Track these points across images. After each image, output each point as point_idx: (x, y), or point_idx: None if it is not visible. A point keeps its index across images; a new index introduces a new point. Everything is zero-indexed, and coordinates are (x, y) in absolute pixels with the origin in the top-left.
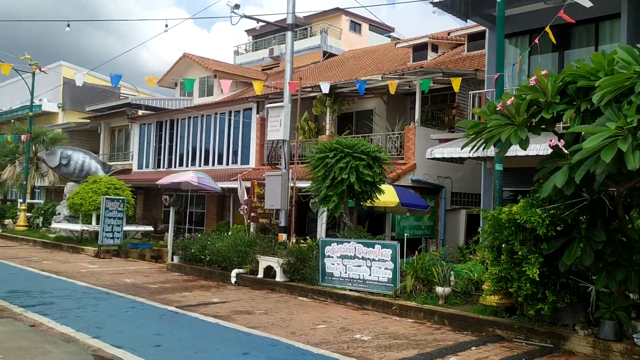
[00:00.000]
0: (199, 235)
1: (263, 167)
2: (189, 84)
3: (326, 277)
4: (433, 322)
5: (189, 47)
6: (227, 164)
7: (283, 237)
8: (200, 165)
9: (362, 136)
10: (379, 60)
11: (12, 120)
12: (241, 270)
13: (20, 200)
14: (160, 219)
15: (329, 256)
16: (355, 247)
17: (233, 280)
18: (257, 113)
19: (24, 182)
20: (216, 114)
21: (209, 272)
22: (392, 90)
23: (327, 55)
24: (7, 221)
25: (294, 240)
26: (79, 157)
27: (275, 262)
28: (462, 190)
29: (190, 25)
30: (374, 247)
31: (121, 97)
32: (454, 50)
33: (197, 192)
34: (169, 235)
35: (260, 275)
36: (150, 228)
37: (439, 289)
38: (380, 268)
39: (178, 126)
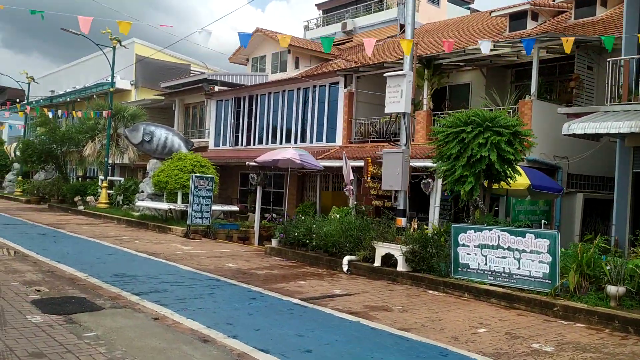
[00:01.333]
0: (302, 217)
1: (351, 145)
2: (328, 43)
3: (459, 269)
4: (613, 329)
5: (247, 24)
6: (311, 141)
7: (402, 221)
8: (281, 143)
9: (461, 111)
10: (466, 31)
11: (94, 96)
12: (353, 257)
13: (102, 178)
14: (236, 198)
15: (463, 245)
16: (499, 236)
17: (345, 268)
18: (345, 87)
19: (105, 159)
20: (299, 89)
21: (314, 258)
22: (568, 50)
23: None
24: (88, 198)
25: (415, 226)
26: (161, 134)
27: (396, 250)
28: (580, 172)
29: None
30: (524, 236)
31: (192, 75)
32: (556, 19)
33: (275, 171)
34: (256, 216)
35: (377, 263)
36: (235, 208)
37: (612, 289)
38: (533, 261)
39: (257, 102)
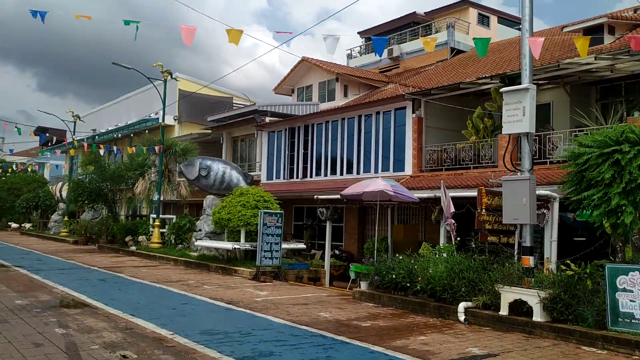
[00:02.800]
0: (400, 257)
1: (423, 174)
2: (482, 47)
3: (620, 319)
4: None
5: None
6: (376, 171)
7: (530, 261)
8: (342, 174)
9: (550, 133)
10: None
11: (137, 133)
12: (469, 304)
13: (153, 216)
14: (291, 234)
15: (624, 289)
16: None
17: (461, 317)
18: (413, 112)
19: (157, 197)
20: (360, 116)
21: (418, 304)
22: None
23: (455, 52)
24: (140, 238)
25: (551, 266)
26: (218, 168)
27: (531, 296)
28: None
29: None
30: None
31: (235, 108)
32: (633, 32)
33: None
34: (326, 255)
35: (504, 312)
36: (302, 245)
37: None
38: None
39: (313, 132)
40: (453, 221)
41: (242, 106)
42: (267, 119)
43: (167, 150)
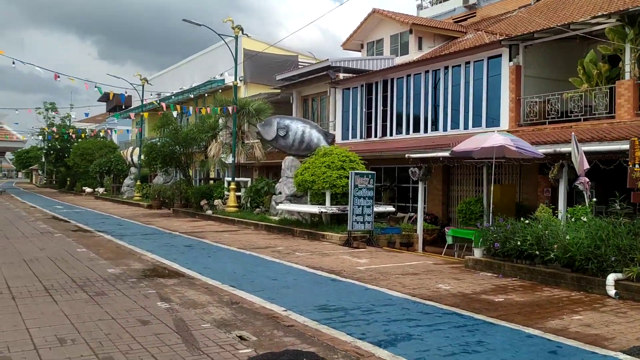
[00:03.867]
0: (527, 221)
1: (522, 128)
2: None
3: None
4: None
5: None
6: (466, 127)
7: None
8: (426, 132)
9: None
10: None
11: (219, 91)
12: (619, 276)
13: (228, 179)
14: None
15: None
16: None
17: (611, 291)
18: (510, 60)
19: (233, 158)
20: (446, 67)
21: (550, 275)
22: None
23: None
24: (216, 202)
25: None
26: (298, 127)
27: None
28: None
29: None
30: None
31: (300, 66)
32: None
33: (397, 164)
34: (419, 219)
35: None
36: (392, 208)
37: None
38: None
39: (393, 87)
40: (587, 179)
41: (307, 64)
42: (341, 76)
43: (240, 110)
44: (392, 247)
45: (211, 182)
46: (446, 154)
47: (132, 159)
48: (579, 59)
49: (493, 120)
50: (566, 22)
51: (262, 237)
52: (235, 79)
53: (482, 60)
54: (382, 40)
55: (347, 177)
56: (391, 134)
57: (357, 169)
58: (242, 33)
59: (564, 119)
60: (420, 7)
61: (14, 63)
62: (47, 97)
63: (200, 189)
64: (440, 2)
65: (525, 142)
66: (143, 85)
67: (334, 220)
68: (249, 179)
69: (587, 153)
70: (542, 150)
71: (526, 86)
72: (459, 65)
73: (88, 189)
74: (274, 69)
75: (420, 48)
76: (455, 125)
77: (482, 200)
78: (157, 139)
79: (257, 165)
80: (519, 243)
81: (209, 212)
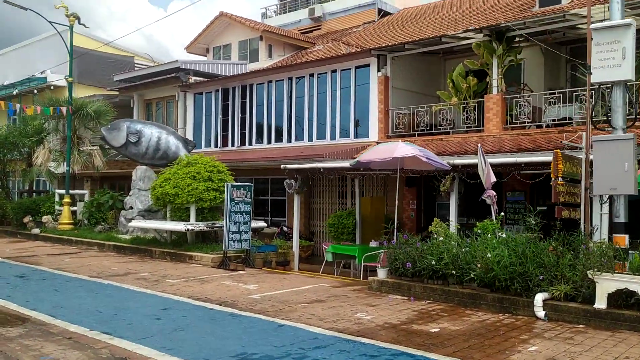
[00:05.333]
0: (439, 239)
1: (391, 140)
2: None
3: None
4: None
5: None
6: (332, 138)
7: (625, 240)
8: (290, 142)
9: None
10: (468, 13)
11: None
12: (545, 295)
13: (60, 192)
14: None
15: None
16: None
17: (540, 312)
18: (378, 70)
19: (67, 168)
20: (311, 75)
21: (468, 296)
22: None
23: (382, 13)
24: (44, 218)
25: None
26: (152, 133)
27: None
28: None
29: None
30: None
31: (136, 69)
32: None
33: (264, 175)
34: (295, 235)
35: (601, 305)
36: (263, 224)
37: None
38: None
39: (253, 93)
40: (494, 192)
41: (146, 66)
42: (192, 79)
43: (76, 112)
44: (269, 266)
45: (36, 195)
46: (327, 164)
47: None
48: (446, 72)
49: (362, 131)
50: (435, 36)
51: (114, 260)
52: (71, 75)
53: (350, 69)
54: (229, 46)
55: (215, 190)
56: (250, 143)
57: (227, 180)
58: (79, 22)
59: (434, 131)
60: (265, 15)
61: None
62: None
63: (23, 203)
64: (286, 12)
65: (431, 153)
66: None
67: (198, 239)
68: (86, 192)
69: (463, 166)
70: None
71: (393, 98)
72: (325, 74)
73: None
74: (106, 69)
75: (270, 56)
76: (321, 136)
77: (353, 213)
78: None
79: (95, 176)
80: (433, 262)
81: (36, 230)
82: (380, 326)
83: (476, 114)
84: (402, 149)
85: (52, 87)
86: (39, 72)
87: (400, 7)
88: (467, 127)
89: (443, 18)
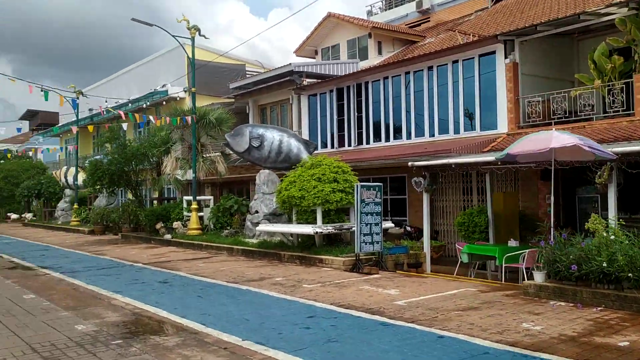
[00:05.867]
0: (609, 237)
1: (522, 131)
2: None
3: None
4: None
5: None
6: (456, 132)
7: None
8: (409, 138)
9: None
10: None
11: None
12: None
13: (187, 198)
14: None
15: None
16: None
17: None
18: (506, 57)
19: (193, 175)
20: (430, 68)
21: None
22: None
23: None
24: (175, 224)
25: None
26: (274, 136)
27: None
28: None
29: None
30: None
31: (247, 76)
32: None
33: (382, 174)
34: (425, 235)
35: None
36: (391, 224)
37: None
38: None
39: (368, 92)
40: None
41: (257, 73)
42: (305, 81)
43: (200, 120)
44: (401, 269)
45: (165, 202)
46: (459, 159)
47: (66, 180)
48: (579, 54)
49: (489, 123)
50: (574, 13)
51: (245, 265)
52: (194, 85)
53: (473, 58)
54: (337, 46)
55: (341, 191)
56: (368, 142)
57: (352, 181)
58: (199, 34)
59: (573, 118)
60: (370, 13)
61: None
62: None
63: (155, 211)
64: (391, 8)
65: (591, 141)
66: (77, 98)
67: (325, 241)
68: (211, 198)
69: (623, 155)
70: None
71: (523, 85)
72: (445, 65)
73: (14, 215)
74: (220, 78)
75: (380, 53)
76: (443, 130)
77: (484, 210)
78: (102, 156)
79: (217, 182)
80: (604, 264)
81: (168, 236)
82: (556, 339)
83: (623, 96)
84: (560, 138)
85: (177, 98)
86: (160, 86)
87: None
88: (614, 112)
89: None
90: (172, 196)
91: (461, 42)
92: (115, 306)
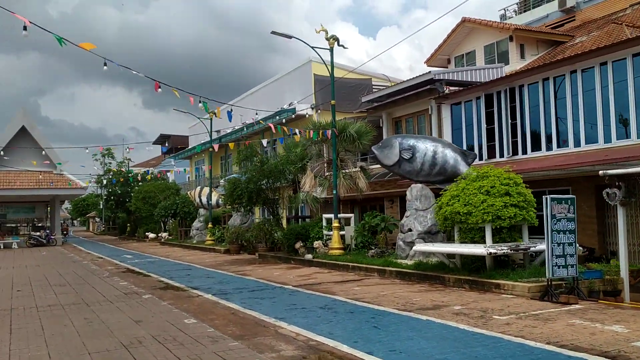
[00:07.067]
0: None
1: None
2: None
3: None
4: None
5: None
6: None
7: None
8: (578, 145)
9: None
10: None
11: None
12: None
13: (327, 216)
14: None
15: None
16: None
17: None
18: None
19: (335, 192)
20: (603, 64)
21: None
22: None
23: None
24: (316, 243)
25: None
26: (427, 147)
27: None
28: None
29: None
30: None
31: (374, 90)
32: None
33: (554, 187)
34: (622, 255)
35: None
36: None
37: None
38: None
39: (523, 97)
40: None
41: (383, 87)
42: (447, 90)
43: (339, 134)
44: (597, 297)
45: (302, 220)
46: None
47: (200, 200)
48: None
49: None
50: None
51: (406, 289)
52: (333, 98)
53: None
54: (473, 52)
55: (514, 206)
56: (525, 152)
57: (526, 194)
58: (338, 44)
59: None
60: (504, 17)
61: (105, 64)
62: (98, 146)
63: (294, 229)
64: (528, 10)
65: None
66: (211, 119)
67: (495, 264)
68: (352, 215)
69: None
70: None
71: None
72: (623, 59)
73: (151, 235)
74: (347, 93)
75: (522, 57)
76: (621, 135)
77: None
78: (241, 174)
79: (359, 199)
80: None
81: (308, 256)
82: None
83: None
84: None
85: (306, 115)
86: (287, 105)
87: None
88: None
89: None
90: (305, 214)
91: (629, 36)
92: (286, 336)
